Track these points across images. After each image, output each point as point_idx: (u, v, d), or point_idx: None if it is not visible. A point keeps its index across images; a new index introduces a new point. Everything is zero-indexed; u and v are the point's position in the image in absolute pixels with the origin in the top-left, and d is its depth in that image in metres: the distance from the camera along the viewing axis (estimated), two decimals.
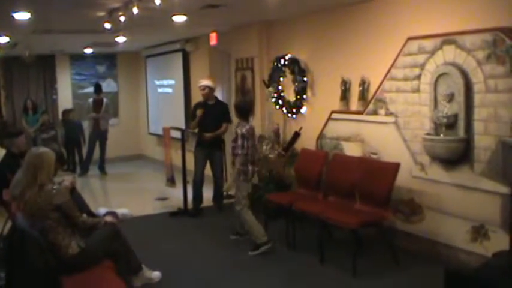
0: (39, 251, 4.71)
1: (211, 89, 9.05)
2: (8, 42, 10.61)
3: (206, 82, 9.06)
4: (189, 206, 9.12)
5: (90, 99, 13.63)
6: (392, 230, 6.86)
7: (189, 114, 11.72)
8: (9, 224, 6.47)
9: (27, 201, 5.10)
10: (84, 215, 5.54)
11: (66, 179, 6.50)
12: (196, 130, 9.17)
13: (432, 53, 6.36)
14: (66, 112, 14.18)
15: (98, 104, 13.46)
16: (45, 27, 9.06)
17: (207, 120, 8.92)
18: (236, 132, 7.18)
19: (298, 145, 8.41)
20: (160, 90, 14.20)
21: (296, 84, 8.59)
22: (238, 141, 7.11)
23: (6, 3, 6.71)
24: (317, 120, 8.27)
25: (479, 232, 5.97)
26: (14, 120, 14.66)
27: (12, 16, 7.37)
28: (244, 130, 7.09)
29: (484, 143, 5.84)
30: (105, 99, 13.72)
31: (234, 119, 9.14)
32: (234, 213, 7.45)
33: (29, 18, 7.57)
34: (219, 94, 10.62)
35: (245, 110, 7.32)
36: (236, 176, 7.19)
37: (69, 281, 4.85)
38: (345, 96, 7.72)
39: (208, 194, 9.44)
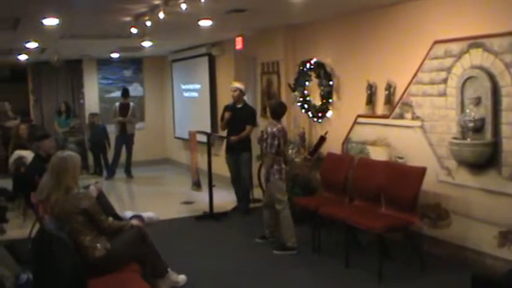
0: (66, 252, 4.76)
1: (242, 92, 9.22)
2: (37, 47, 10.75)
3: (238, 85, 9.31)
4: (215, 209, 9.14)
5: (117, 103, 13.72)
6: (418, 235, 6.81)
7: (215, 118, 11.88)
8: (37, 226, 6.55)
9: (54, 204, 5.17)
10: (110, 218, 5.59)
11: (92, 184, 6.54)
12: (224, 133, 9.29)
13: (459, 56, 6.31)
14: (91, 116, 14.33)
15: (124, 108, 13.53)
16: (73, 33, 9.16)
17: (233, 122, 9.07)
18: (266, 131, 7.26)
19: (324, 149, 8.39)
20: (186, 94, 14.25)
21: (322, 88, 8.57)
22: (268, 140, 7.18)
23: (36, 10, 6.81)
24: (343, 125, 8.25)
25: (506, 237, 5.91)
26: (42, 124, 14.85)
27: (42, 22, 7.47)
28: (275, 129, 7.17)
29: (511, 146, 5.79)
30: (131, 104, 13.81)
31: (262, 120, 9.22)
32: (262, 217, 7.55)
33: (57, 24, 7.66)
34: (244, 98, 10.66)
35: (278, 111, 7.39)
36: (268, 175, 7.29)
37: (95, 283, 4.88)
38: (371, 100, 7.70)
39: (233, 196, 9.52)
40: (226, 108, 9.31)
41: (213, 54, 12.36)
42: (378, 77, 7.55)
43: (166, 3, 6.50)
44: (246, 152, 9.19)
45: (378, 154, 7.60)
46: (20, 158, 9.19)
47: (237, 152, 9.14)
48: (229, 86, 9.53)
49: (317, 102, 8.75)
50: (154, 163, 15.61)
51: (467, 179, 6.32)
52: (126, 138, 13.60)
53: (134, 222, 5.80)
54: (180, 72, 14.67)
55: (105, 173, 13.94)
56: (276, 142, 7.14)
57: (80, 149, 13.34)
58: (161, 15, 6.70)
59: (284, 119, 8.86)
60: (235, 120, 9.07)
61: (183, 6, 6.36)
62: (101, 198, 6.37)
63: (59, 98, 14.98)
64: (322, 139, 8.41)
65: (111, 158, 13.83)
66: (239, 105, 9.20)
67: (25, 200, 8.15)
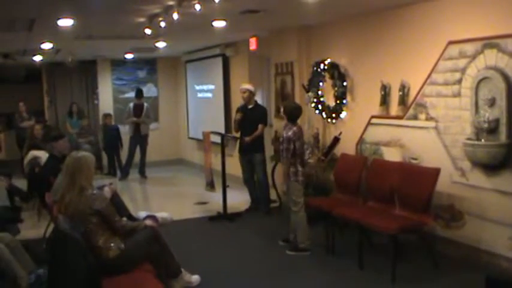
0: (80, 252, 4.78)
1: (252, 93, 9.29)
2: (52, 48, 10.80)
3: (247, 86, 9.39)
4: (229, 210, 9.15)
5: (131, 104, 13.76)
6: (432, 236, 6.79)
7: (229, 119, 11.94)
8: (52, 226, 6.58)
9: (68, 204, 5.19)
10: (124, 219, 5.61)
11: (106, 185, 6.57)
12: (237, 134, 9.35)
13: (473, 57, 6.28)
14: (104, 117, 14.40)
15: (138, 109, 13.58)
16: (87, 34, 9.21)
17: (245, 123, 9.14)
18: (282, 136, 7.21)
19: (338, 150, 8.38)
20: (200, 95, 14.27)
21: (336, 89, 8.56)
22: (284, 144, 7.13)
23: (51, 11, 6.85)
24: (357, 125, 8.24)
25: None
26: (56, 124, 14.94)
27: (56, 23, 7.51)
28: (290, 133, 7.11)
29: None
30: (145, 104, 13.84)
31: (276, 121, 9.22)
32: (290, 219, 7.45)
33: (72, 25, 7.70)
34: (258, 99, 10.67)
35: (294, 114, 7.31)
36: (285, 178, 7.22)
37: (108, 283, 4.91)
38: (384, 101, 7.68)
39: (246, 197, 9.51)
40: (238, 109, 9.38)
41: (227, 54, 12.37)
42: (392, 78, 7.53)
43: (180, 4, 6.52)
44: (259, 153, 9.22)
45: (391, 155, 7.58)
46: (35, 159, 9.25)
47: (250, 152, 9.18)
48: (239, 87, 9.56)
49: (331, 103, 8.74)
50: (168, 164, 15.65)
51: (482, 180, 6.29)
52: (140, 138, 13.65)
53: (148, 222, 5.83)
54: (194, 73, 14.69)
55: (119, 174, 14.00)
56: (291, 146, 7.09)
57: (94, 149, 13.42)
58: (175, 16, 6.72)
59: (298, 120, 8.85)
60: (247, 121, 9.13)
61: (197, 7, 6.37)
62: (115, 198, 6.40)
63: (73, 99, 15.09)
64: (336, 140, 8.39)
65: (125, 158, 13.89)
66: (250, 106, 9.27)
67: (40, 200, 8.19)
